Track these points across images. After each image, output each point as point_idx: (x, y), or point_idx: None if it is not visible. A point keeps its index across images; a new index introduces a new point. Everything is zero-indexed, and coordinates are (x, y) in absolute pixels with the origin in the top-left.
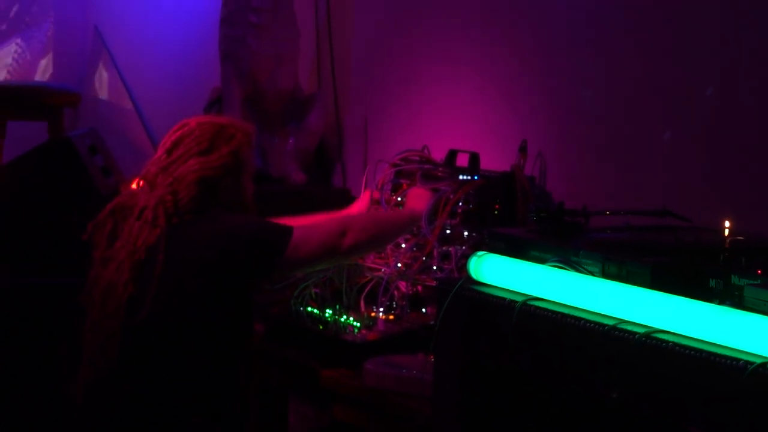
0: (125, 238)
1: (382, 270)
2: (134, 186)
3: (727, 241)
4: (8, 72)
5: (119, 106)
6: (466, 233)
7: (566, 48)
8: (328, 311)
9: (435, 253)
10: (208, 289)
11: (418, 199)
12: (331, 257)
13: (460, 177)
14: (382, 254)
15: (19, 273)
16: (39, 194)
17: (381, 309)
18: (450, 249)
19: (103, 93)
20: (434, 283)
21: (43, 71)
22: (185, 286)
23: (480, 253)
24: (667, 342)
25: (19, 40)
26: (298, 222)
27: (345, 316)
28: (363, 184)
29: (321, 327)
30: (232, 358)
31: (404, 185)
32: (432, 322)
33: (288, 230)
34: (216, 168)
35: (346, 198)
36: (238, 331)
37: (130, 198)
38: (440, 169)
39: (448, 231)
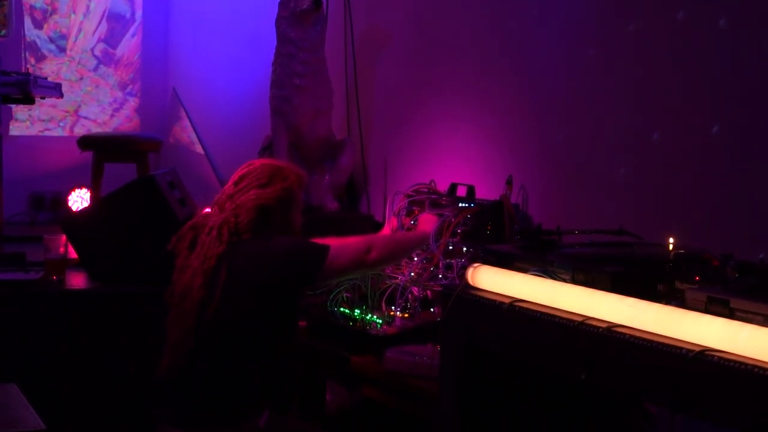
0: (198, 250)
1: (399, 278)
2: (209, 210)
3: (671, 253)
4: (106, 124)
5: (192, 151)
6: (465, 249)
7: (542, 104)
8: (357, 311)
9: (440, 264)
10: (264, 294)
11: (426, 223)
12: (359, 269)
13: (460, 205)
14: (399, 266)
15: (113, 282)
16: (129, 220)
17: (398, 309)
18: (452, 261)
19: (179, 140)
20: (440, 288)
21: (132, 123)
22: (245, 291)
23: (476, 264)
24: (625, 334)
25: (115, 100)
26: (334, 241)
27: (370, 315)
28: (384, 211)
29: (351, 323)
30: (281, 347)
31: (416, 211)
32: (438, 319)
33: (326, 248)
34: (270, 198)
35: (370, 222)
36: (286, 326)
37: (204, 218)
38: (444, 198)
39: (450, 247)
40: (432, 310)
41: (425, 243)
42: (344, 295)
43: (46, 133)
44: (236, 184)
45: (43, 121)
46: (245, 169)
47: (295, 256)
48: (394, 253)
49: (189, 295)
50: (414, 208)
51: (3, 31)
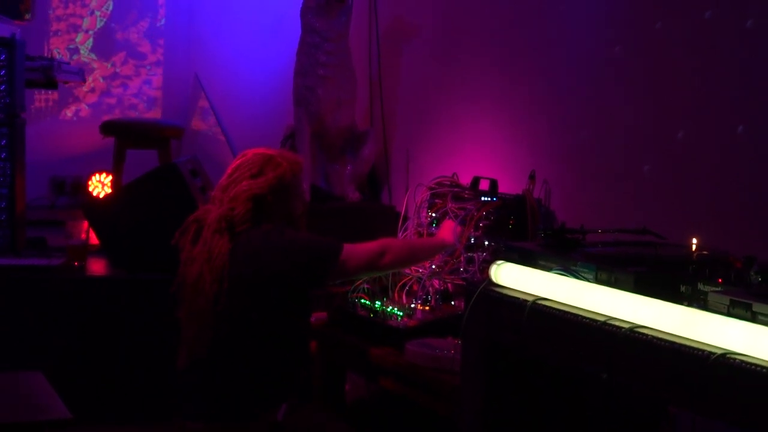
0: (201, 244)
1: (420, 270)
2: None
3: (695, 255)
4: (128, 111)
5: (214, 138)
6: (486, 242)
7: (567, 99)
8: (377, 303)
9: (462, 257)
10: (272, 289)
11: (448, 231)
12: (371, 271)
13: (483, 198)
14: None
15: (135, 269)
16: (151, 207)
17: (419, 301)
18: (474, 255)
19: (201, 127)
20: (461, 282)
21: (154, 110)
22: (253, 285)
23: (499, 261)
24: (647, 335)
25: (136, 85)
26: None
27: (390, 307)
28: (405, 203)
29: (371, 315)
30: (294, 339)
31: (438, 204)
32: (459, 313)
33: (339, 248)
34: (263, 188)
35: (391, 214)
36: (298, 319)
37: (205, 212)
38: (466, 191)
39: (472, 240)
40: (452, 302)
41: (442, 251)
42: (365, 286)
43: (68, 117)
44: (230, 175)
45: (66, 105)
46: (238, 161)
47: (308, 254)
48: (408, 259)
49: (202, 290)
50: (436, 200)
51: (27, 15)
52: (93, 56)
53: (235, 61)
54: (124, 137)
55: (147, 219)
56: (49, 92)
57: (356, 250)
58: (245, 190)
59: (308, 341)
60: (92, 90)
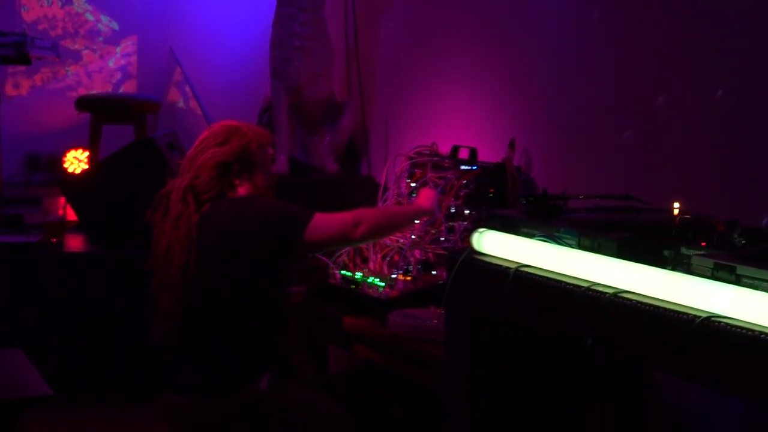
0: (169, 216)
1: (401, 240)
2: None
3: (677, 219)
4: (103, 85)
5: (190, 112)
6: (467, 212)
7: (548, 66)
8: (358, 274)
9: (443, 227)
10: (241, 261)
11: (426, 199)
12: (344, 242)
13: (462, 167)
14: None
15: (113, 245)
16: (129, 182)
17: (400, 272)
18: (455, 224)
19: (177, 101)
20: (443, 251)
21: (130, 84)
22: (220, 253)
23: (481, 229)
24: (631, 300)
25: (111, 60)
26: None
27: (371, 278)
28: (384, 173)
29: (353, 286)
30: (270, 309)
31: (417, 173)
32: (441, 282)
33: (308, 216)
34: (228, 155)
35: (370, 183)
36: (269, 291)
37: (172, 184)
38: (446, 160)
39: (452, 210)
40: (434, 272)
41: (421, 217)
42: (346, 258)
43: (43, 93)
44: (197, 147)
45: (40, 81)
46: (205, 132)
47: (276, 221)
48: (385, 228)
49: (171, 261)
50: (415, 170)
51: None
52: (88, 6)
53: (211, 34)
54: (100, 112)
55: (124, 194)
56: (23, 67)
57: (329, 219)
58: (210, 157)
59: (285, 312)
60: (67, 65)
